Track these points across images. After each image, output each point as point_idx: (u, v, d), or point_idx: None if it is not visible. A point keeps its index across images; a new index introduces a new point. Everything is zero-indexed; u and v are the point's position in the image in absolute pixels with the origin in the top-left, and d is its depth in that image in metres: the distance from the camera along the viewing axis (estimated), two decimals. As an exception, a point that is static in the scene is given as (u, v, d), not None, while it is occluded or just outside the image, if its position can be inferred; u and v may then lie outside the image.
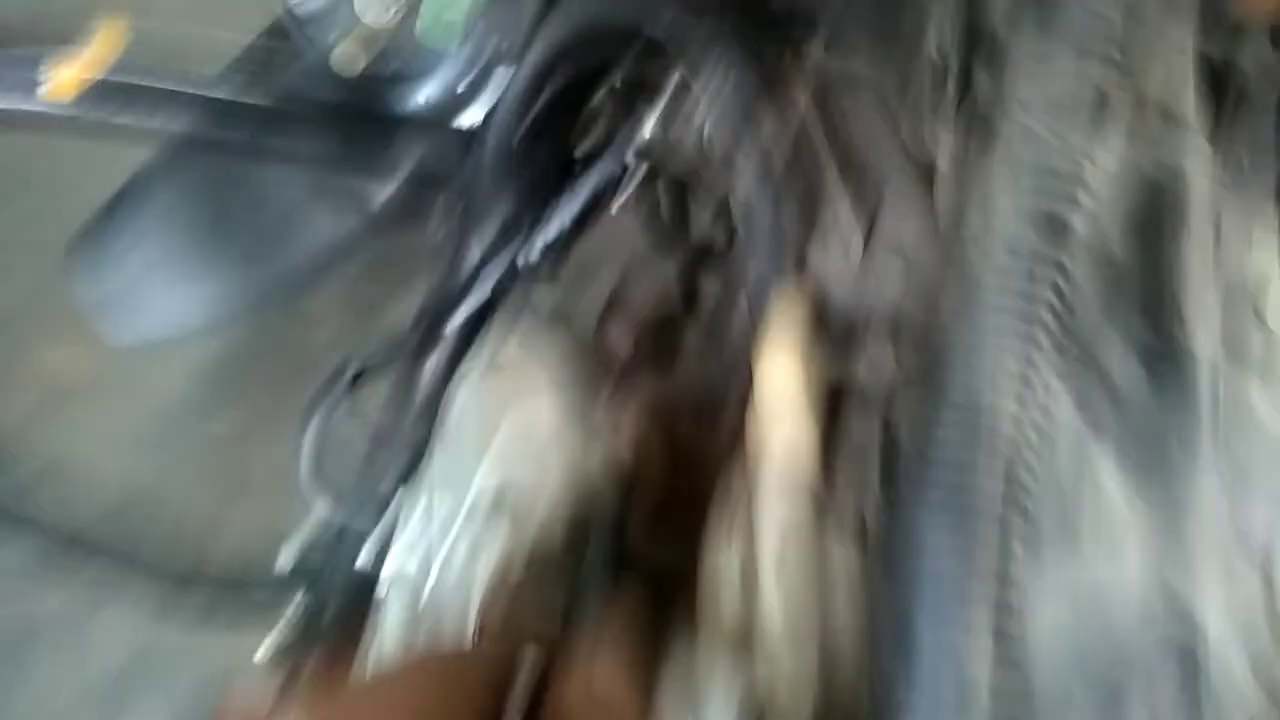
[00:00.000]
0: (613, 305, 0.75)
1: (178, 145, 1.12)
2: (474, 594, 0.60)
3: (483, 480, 0.63)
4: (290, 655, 1.21)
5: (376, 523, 0.88)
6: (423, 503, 0.79)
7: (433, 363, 0.94)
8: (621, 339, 0.70)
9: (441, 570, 0.66)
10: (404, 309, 2.44)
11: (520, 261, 0.74)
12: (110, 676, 1.94)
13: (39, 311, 2.37)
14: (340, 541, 1.11)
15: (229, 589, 1.18)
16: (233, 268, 1.30)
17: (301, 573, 1.14)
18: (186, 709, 1.87)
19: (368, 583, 1.13)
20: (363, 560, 0.84)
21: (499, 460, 0.65)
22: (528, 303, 0.68)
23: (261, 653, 1.22)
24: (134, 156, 1.13)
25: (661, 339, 0.73)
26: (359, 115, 0.94)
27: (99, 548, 1.11)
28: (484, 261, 0.88)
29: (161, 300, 1.30)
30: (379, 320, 2.60)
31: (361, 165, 0.95)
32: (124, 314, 1.30)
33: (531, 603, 0.56)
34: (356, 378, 0.83)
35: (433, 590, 0.67)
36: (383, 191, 1.20)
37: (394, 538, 0.84)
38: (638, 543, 0.60)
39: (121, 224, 1.28)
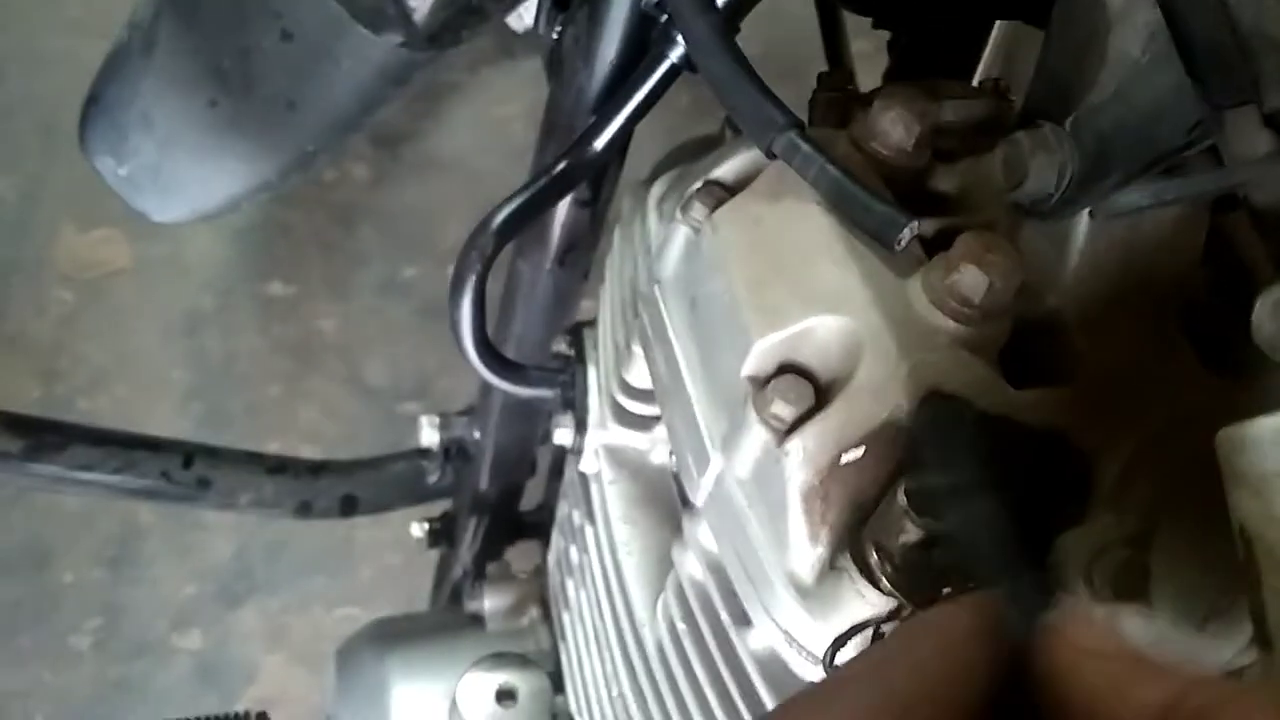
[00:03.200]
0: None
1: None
2: (787, 499, 0.44)
3: (747, 336, 0.46)
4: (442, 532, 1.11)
5: (555, 389, 0.73)
6: (634, 381, 0.63)
7: (570, 197, 0.76)
8: (899, 133, 0.50)
9: (696, 458, 0.50)
10: (441, 141, 2.33)
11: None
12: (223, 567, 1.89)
13: (58, 197, 2.25)
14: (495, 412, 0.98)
15: (363, 477, 1.06)
16: (266, 124, 1.13)
17: (442, 456, 1.02)
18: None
19: (521, 469, 1.01)
20: (559, 436, 0.70)
21: (767, 310, 0.46)
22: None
23: (416, 529, 1.13)
24: (122, 5, 0.93)
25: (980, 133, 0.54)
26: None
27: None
28: (634, 58, 0.69)
29: (193, 175, 1.13)
30: (415, 154, 2.46)
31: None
32: (154, 196, 1.13)
33: (894, 532, 0.40)
34: (501, 235, 0.66)
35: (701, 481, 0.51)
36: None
37: (581, 419, 0.70)
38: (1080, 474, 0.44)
39: (128, 91, 1.09)
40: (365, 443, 1.96)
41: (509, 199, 0.71)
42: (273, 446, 2.05)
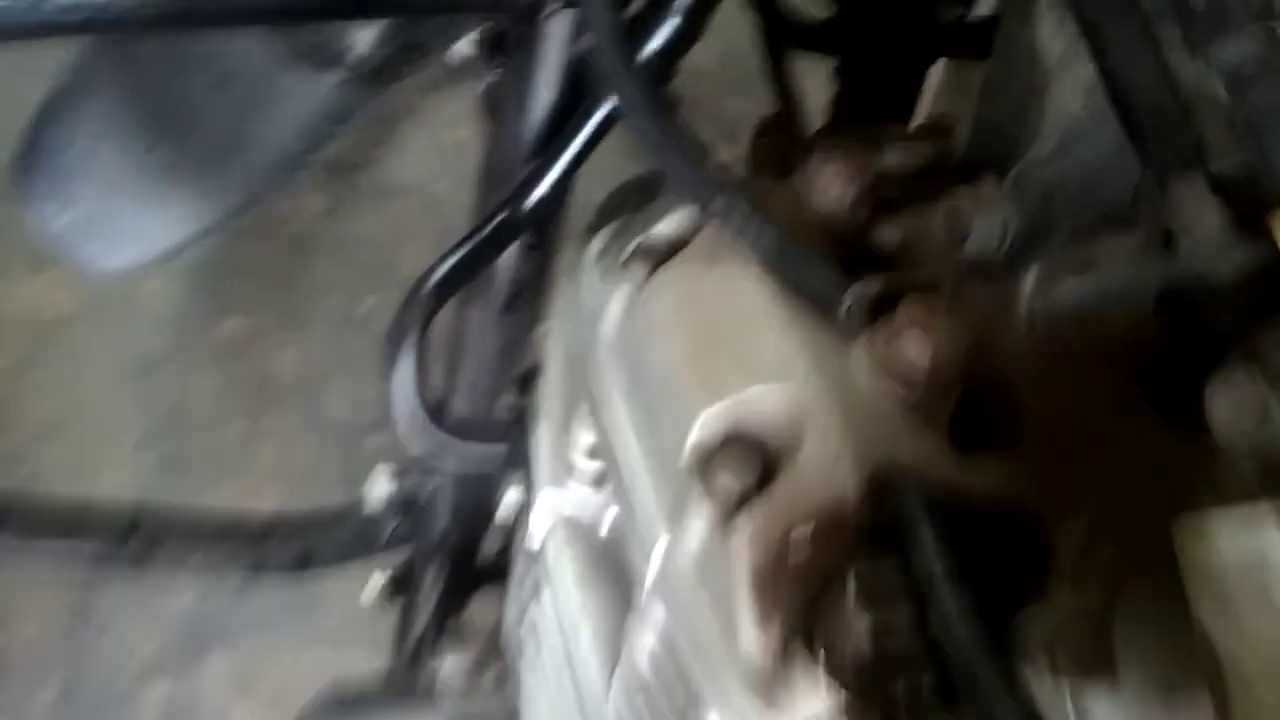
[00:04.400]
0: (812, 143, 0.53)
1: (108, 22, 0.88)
2: (734, 579, 0.42)
3: (688, 406, 0.44)
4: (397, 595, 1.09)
5: (499, 460, 0.71)
6: (584, 438, 0.61)
7: (520, 257, 0.74)
8: (839, 188, 0.48)
9: (644, 532, 0.48)
10: (396, 168, 2.30)
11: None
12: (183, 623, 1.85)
13: (3, 240, 2.19)
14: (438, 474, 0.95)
15: (317, 532, 1.03)
16: (207, 168, 1.10)
17: (399, 506, 0.99)
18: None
19: (480, 517, 0.98)
20: (503, 513, 0.68)
21: (709, 379, 0.44)
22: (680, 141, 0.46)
23: (367, 595, 1.10)
24: (55, 52, 0.90)
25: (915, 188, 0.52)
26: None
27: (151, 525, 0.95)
28: (570, 104, 0.67)
29: (135, 222, 1.10)
30: (371, 181, 2.43)
31: (341, 5, 0.72)
32: (96, 245, 1.11)
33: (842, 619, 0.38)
34: (440, 292, 0.63)
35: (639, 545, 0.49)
36: (369, 35, 0.98)
37: (533, 477, 0.67)
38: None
39: (65, 137, 1.06)
40: (328, 480, 1.93)
41: (446, 254, 0.69)
42: (232, 489, 2.02)
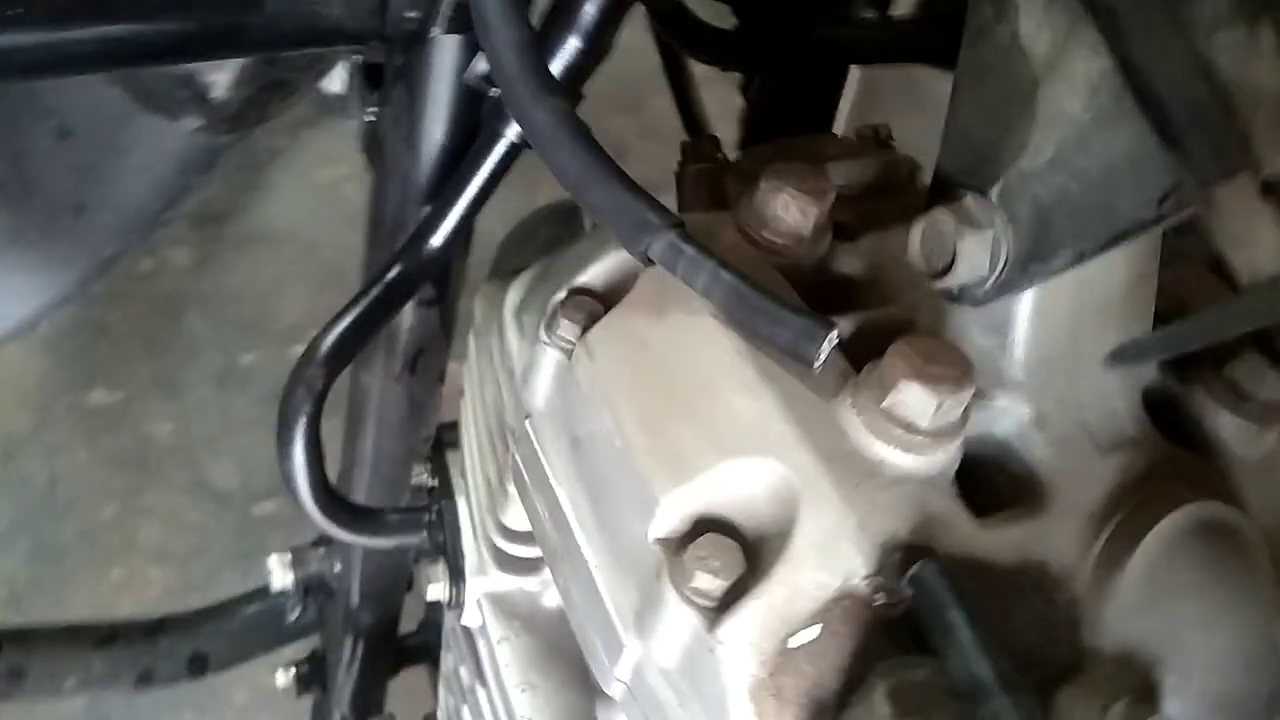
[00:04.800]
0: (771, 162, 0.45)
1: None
2: (728, 699, 0.34)
3: (647, 489, 0.36)
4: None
5: (420, 533, 0.62)
6: (513, 521, 0.53)
7: (419, 311, 0.66)
8: (795, 216, 0.41)
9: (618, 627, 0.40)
10: (266, 213, 2.17)
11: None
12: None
13: None
14: (343, 552, 0.86)
15: (211, 630, 0.92)
16: (53, 233, 1.00)
17: (302, 591, 0.89)
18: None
19: (394, 593, 0.89)
20: (432, 590, 0.59)
21: (670, 456, 0.37)
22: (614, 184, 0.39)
23: (282, 679, 0.99)
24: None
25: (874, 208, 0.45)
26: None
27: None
28: (464, 139, 0.58)
29: (-21, 300, 0.99)
30: (239, 229, 2.29)
31: (191, 45, 0.63)
32: (-64, 327, 1.00)
33: None
34: (332, 364, 0.54)
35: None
36: (227, 75, 0.88)
37: (456, 561, 0.59)
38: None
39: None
40: (220, 556, 1.79)
41: (335, 319, 0.60)
42: (115, 575, 1.86)
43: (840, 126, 0.78)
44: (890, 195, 0.50)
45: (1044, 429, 0.41)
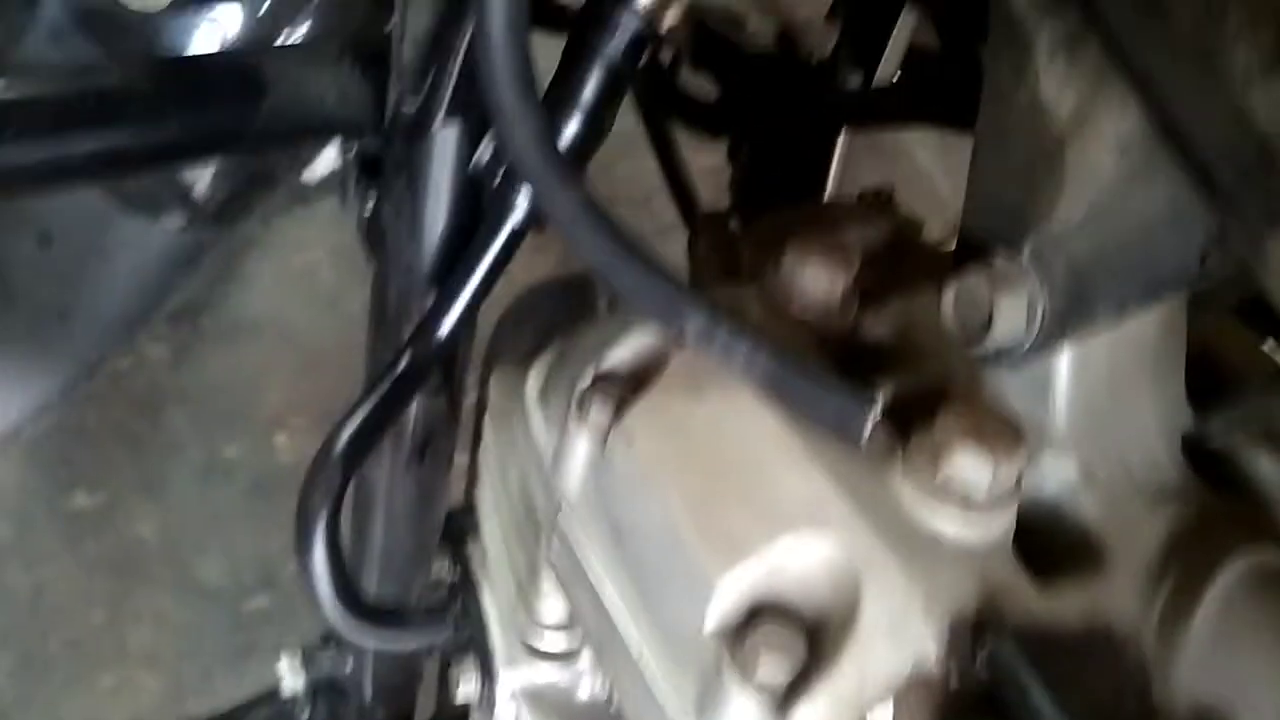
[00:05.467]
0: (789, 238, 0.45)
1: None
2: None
3: (700, 571, 0.35)
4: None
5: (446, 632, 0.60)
6: (548, 612, 0.51)
7: (427, 400, 0.65)
8: (825, 285, 0.41)
9: None
10: (243, 303, 2.16)
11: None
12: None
13: None
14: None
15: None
16: (37, 341, 0.99)
17: (313, 692, 0.86)
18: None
19: (409, 689, 0.87)
20: (462, 690, 0.57)
21: (722, 536, 0.36)
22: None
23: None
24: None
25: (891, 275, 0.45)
26: (150, 75, 0.61)
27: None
28: (468, 225, 0.58)
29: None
30: (216, 321, 2.28)
31: (194, 145, 0.63)
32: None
33: None
34: (348, 463, 0.54)
35: None
36: (209, 171, 0.88)
37: (484, 657, 0.57)
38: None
39: None
40: (214, 656, 1.74)
41: (348, 415, 0.59)
42: (106, 682, 1.81)
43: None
44: (907, 254, 0.50)
45: (1092, 486, 0.40)
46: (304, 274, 2.21)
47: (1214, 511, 0.41)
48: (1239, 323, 0.46)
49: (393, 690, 0.89)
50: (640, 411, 0.43)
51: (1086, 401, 0.41)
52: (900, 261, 0.50)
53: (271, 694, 0.92)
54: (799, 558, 0.38)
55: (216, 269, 2.18)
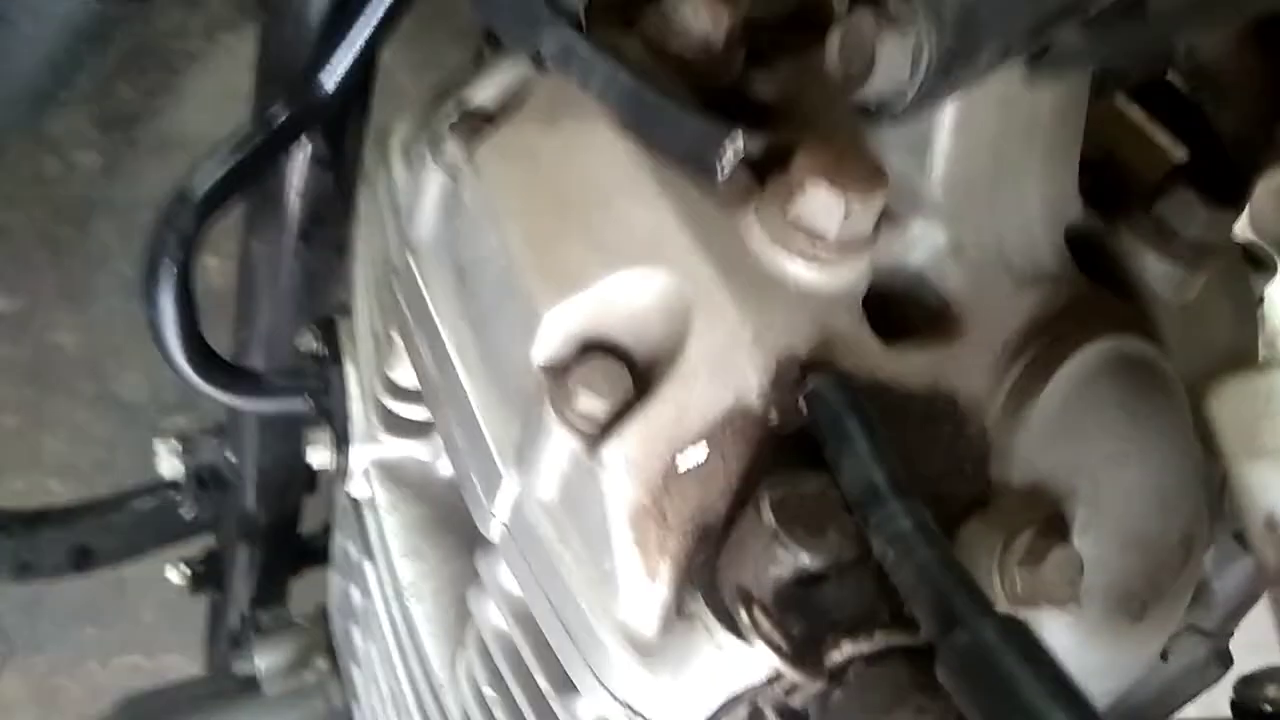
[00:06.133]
0: None
1: None
2: (609, 524, 0.31)
3: (531, 305, 0.32)
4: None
5: (305, 397, 0.58)
6: (402, 378, 0.49)
7: (304, 156, 0.61)
8: (705, 24, 0.38)
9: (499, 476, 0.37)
10: (182, 117, 2.07)
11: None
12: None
13: None
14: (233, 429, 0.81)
15: (95, 522, 0.87)
16: None
17: (194, 484, 0.84)
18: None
19: (291, 488, 0.85)
20: (315, 456, 0.55)
21: (556, 269, 0.33)
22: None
23: (174, 574, 0.95)
24: None
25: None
26: None
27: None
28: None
29: None
30: (153, 134, 2.19)
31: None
32: None
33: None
34: (205, 208, 0.50)
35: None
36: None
37: (343, 418, 0.55)
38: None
39: None
40: (126, 470, 1.72)
41: (210, 158, 0.55)
42: (17, 486, 1.78)
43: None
44: (811, 27, 0.47)
45: (960, 257, 0.38)
46: (246, 93, 2.12)
47: (1086, 301, 0.39)
48: (1140, 109, 0.44)
49: (276, 488, 0.87)
50: (492, 145, 0.39)
51: (966, 169, 0.38)
52: (802, 30, 0.46)
53: (154, 485, 0.89)
54: (633, 294, 0.35)
55: (155, 81, 2.09)
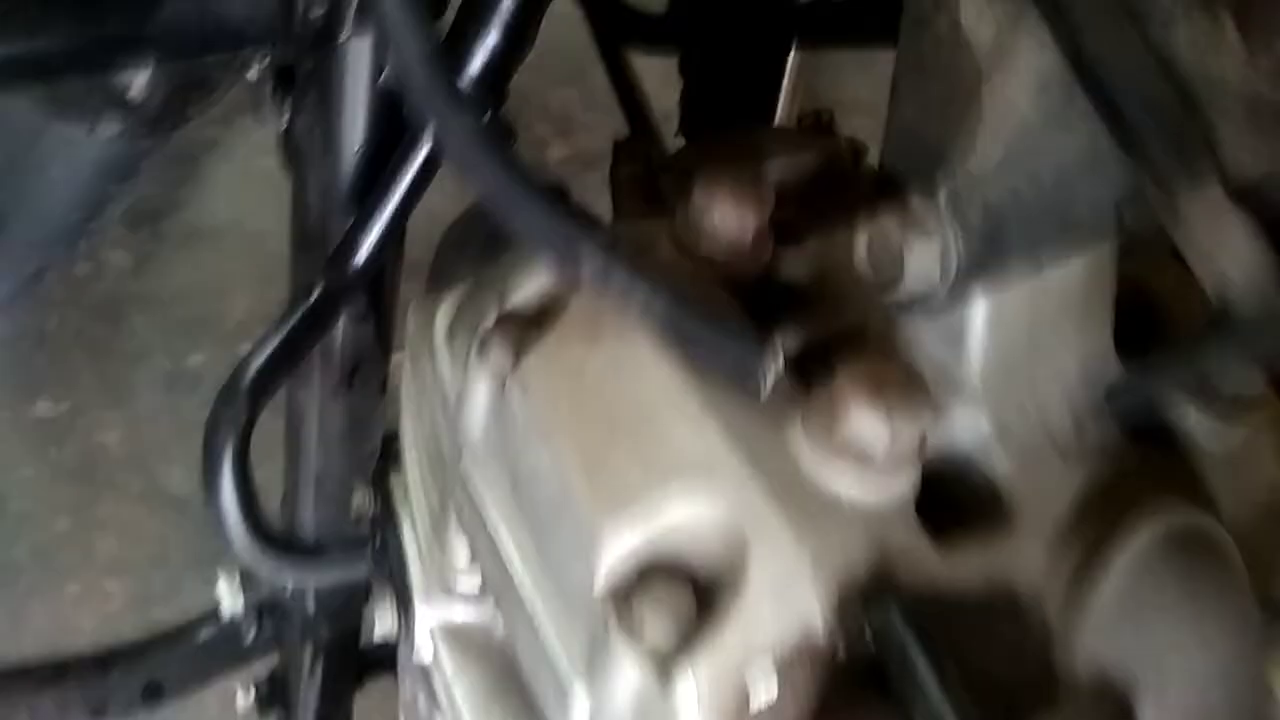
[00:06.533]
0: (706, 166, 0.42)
1: None
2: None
3: (588, 522, 0.34)
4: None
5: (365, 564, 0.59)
6: (460, 550, 0.50)
7: (353, 323, 0.62)
8: (735, 223, 0.38)
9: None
10: (205, 208, 2.11)
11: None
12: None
13: None
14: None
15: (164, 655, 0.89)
16: None
17: (256, 608, 0.86)
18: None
19: (353, 603, 0.86)
20: (380, 623, 0.57)
21: (611, 487, 0.34)
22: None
23: (242, 701, 0.96)
24: None
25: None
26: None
27: None
28: (386, 144, 0.54)
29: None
30: (178, 227, 2.22)
31: (99, 49, 0.59)
32: None
33: None
34: (255, 394, 0.51)
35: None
36: (141, 75, 0.84)
37: (403, 583, 0.56)
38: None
39: None
40: (180, 565, 1.74)
41: (257, 346, 0.57)
42: (72, 589, 1.81)
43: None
44: (835, 187, 0.48)
45: (1005, 440, 0.39)
46: (267, 177, 2.13)
47: (1132, 469, 0.39)
48: (1178, 265, 0.44)
49: (337, 606, 0.89)
50: (537, 357, 0.40)
51: (1002, 352, 0.39)
52: (828, 194, 0.47)
53: (211, 617, 0.91)
54: (690, 513, 0.36)
55: (177, 173, 2.13)
